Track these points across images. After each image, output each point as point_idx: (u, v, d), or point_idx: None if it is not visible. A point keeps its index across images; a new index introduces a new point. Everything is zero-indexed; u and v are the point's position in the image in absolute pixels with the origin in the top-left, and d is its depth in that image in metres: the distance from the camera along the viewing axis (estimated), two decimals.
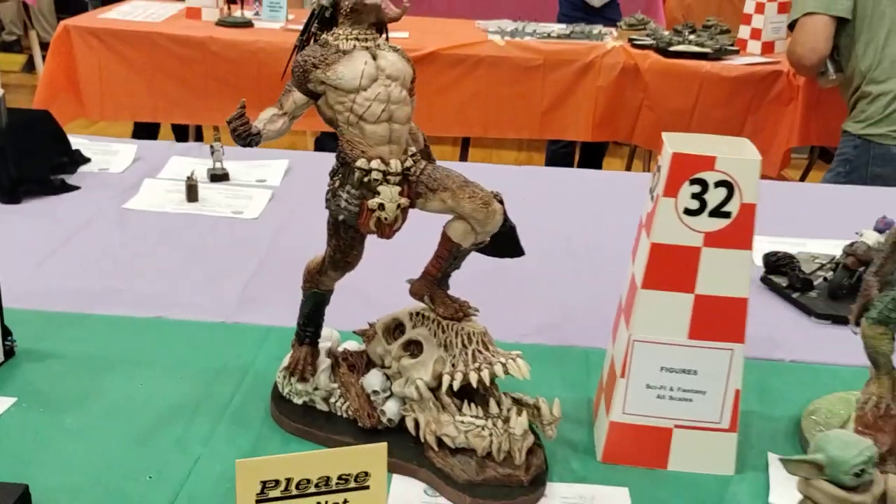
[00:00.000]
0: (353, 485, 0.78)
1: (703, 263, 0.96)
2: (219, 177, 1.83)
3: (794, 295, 1.44)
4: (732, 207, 0.94)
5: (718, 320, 0.98)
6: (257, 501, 0.76)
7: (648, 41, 3.31)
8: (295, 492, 0.77)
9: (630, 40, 3.37)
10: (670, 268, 0.96)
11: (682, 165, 0.94)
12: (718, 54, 3.24)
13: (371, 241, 1.00)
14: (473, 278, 1.48)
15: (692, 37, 3.32)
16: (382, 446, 0.80)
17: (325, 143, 3.99)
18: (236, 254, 1.55)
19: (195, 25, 3.32)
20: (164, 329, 1.29)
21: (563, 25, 3.61)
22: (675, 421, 1.01)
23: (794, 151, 3.45)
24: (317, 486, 0.77)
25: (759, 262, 1.52)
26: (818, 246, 1.61)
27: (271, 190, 1.83)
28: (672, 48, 3.23)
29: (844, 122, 2.80)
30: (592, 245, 1.65)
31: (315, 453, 0.79)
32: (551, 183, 2.06)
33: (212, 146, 1.84)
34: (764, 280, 1.51)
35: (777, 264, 1.49)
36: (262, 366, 1.18)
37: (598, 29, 3.49)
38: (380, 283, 1.20)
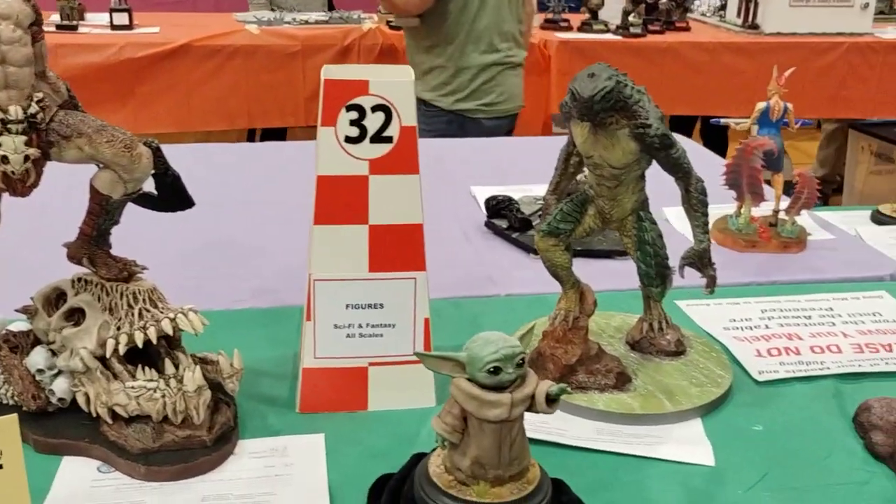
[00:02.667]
0: None
1: (372, 192, 0.94)
2: None
3: (514, 235, 1.46)
4: (392, 132, 0.93)
5: (397, 250, 0.96)
6: None
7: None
8: None
9: (387, 23, 3.38)
10: (340, 200, 0.94)
11: (337, 92, 0.91)
12: None
13: (19, 207, 0.91)
14: (185, 251, 1.42)
15: None
16: (12, 419, 0.72)
17: None
18: None
19: None
20: None
21: (321, 13, 3.58)
22: (369, 359, 0.98)
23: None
24: None
25: (483, 208, 1.55)
26: (541, 190, 1.65)
27: None
28: None
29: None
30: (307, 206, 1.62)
31: None
32: (264, 155, 2.05)
33: None
34: (487, 224, 1.53)
35: (497, 207, 1.51)
36: None
37: (357, 14, 3.48)
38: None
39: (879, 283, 1.38)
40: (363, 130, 0.92)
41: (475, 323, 1.21)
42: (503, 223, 1.50)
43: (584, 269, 1.35)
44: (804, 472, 0.91)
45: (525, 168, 1.86)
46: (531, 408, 0.72)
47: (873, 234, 1.59)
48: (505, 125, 2.69)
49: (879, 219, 1.66)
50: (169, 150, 0.94)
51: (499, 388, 0.71)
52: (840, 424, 0.99)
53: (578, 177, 1.08)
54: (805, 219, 1.58)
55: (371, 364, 0.98)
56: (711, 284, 1.02)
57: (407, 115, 0.92)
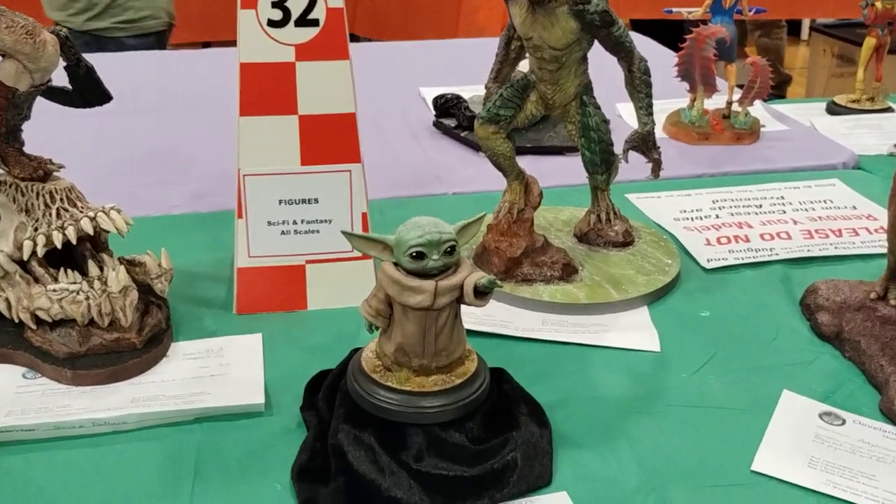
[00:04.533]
0: None
1: (300, 80, 0.89)
2: None
3: (463, 133, 1.42)
4: (318, 14, 0.87)
5: (329, 141, 0.91)
6: None
7: None
8: None
9: None
10: (266, 89, 0.89)
11: None
12: None
13: None
14: (117, 161, 1.37)
15: None
16: None
17: None
18: None
19: None
20: None
21: None
22: (306, 256, 0.95)
23: None
24: None
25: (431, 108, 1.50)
26: None
27: None
28: None
29: None
30: None
31: None
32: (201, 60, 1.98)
33: None
34: (435, 124, 1.48)
35: (446, 106, 1.47)
36: None
37: None
38: None
39: (832, 172, 1.36)
40: (286, 13, 0.87)
41: None
42: (451, 122, 1.45)
43: (534, 165, 1.32)
44: (750, 355, 0.90)
45: (477, 69, 1.80)
46: (460, 299, 0.69)
47: (828, 124, 1.56)
48: (151, 43, 2.41)
49: (834, 109, 1.63)
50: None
51: (424, 275, 0.68)
52: (787, 308, 0.98)
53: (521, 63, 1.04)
54: (759, 111, 1.55)
55: (308, 262, 0.95)
56: (657, 169, 0.99)
57: None
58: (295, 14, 0.87)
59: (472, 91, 1.57)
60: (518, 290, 0.98)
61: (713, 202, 1.25)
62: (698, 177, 1.35)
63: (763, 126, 1.49)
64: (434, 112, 1.50)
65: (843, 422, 0.80)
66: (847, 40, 3.85)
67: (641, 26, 3.91)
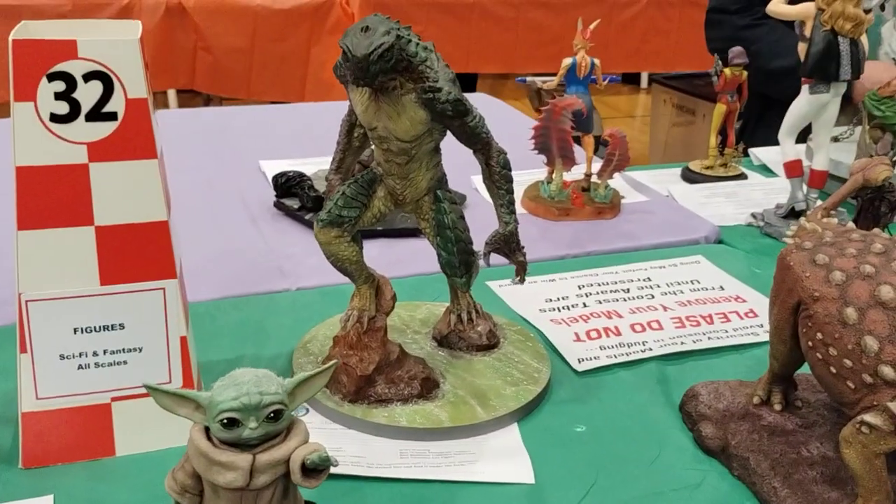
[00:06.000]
0: None
1: (95, 184, 0.73)
2: None
3: (307, 216, 1.29)
4: (116, 106, 0.72)
5: (136, 255, 0.76)
6: None
7: None
8: None
9: None
10: (52, 197, 0.72)
11: (33, 56, 0.69)
12: None
13: None
14: None
15: None
16: None
17: None
18: None
19: None
20: None
21: None
22: (112, 393, 0.78)
23: None
24: None
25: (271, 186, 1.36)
26: None
27: None
28: None
29: None
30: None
31: None
32: None
33: None
34: (276, 205, 1.34)
35: (288, 185, 1.33)
36: None
37: None
38: None
39: (695, 248, 1.32)
40: (75, 106, 0.71)
41: (260, 328, 1.03)
42: (294, 203, 1.32)
43: (385, 251, 1.20)
44: (633, 479, 0.80)
45: (324, 135, 1.67)
46: (290, 475, 0.55)
47: (685, 192, 1.53)
48: None
49: (690, 176, 1.61)
50: None
51: (240, 446, 0.54)
52: (668, 415, 0.90)
53: (366, 153, 0.92)
54: (618, 181, 1.50)
55: (114, 399, 0.78)
56: (521, 272, 0.89)
57: (134, 83, 0.72)
58: (86, 107, 0.71)
59: (318, 165, 1.44)
60: (371, 414, 0.85)
61: (579, 287, 1.16)
62: (561, 258, 1.27)
63: (623, 198, 1.43)
64: (275, 191, 1.36)
65: None
66: (685, 91, 4.00)
67: None
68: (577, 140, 1.41)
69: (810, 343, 0.74)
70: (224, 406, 0.53)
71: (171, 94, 3.55)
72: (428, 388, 0.88)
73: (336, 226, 0.83)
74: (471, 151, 0.84)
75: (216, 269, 1.17)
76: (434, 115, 0.78)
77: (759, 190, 1.55)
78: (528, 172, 1.46)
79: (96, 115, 0.72)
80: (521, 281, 0.89)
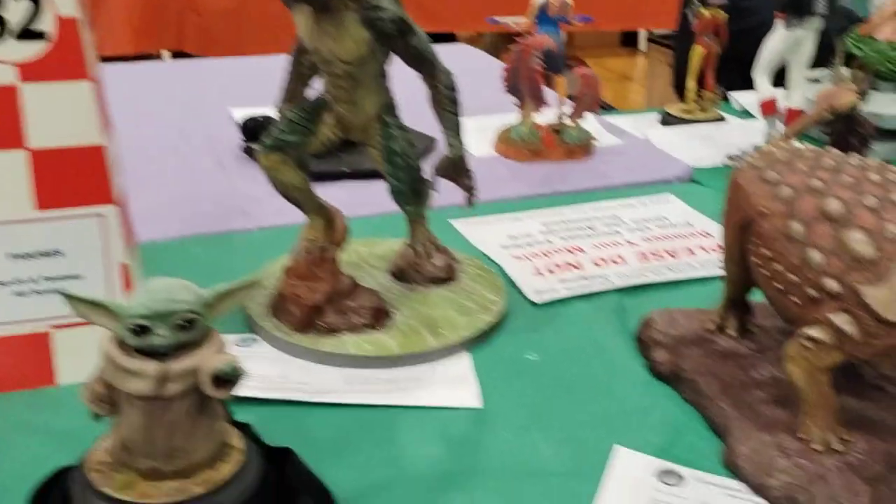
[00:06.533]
0: None
1: (27, 106, 0.72)
2: None
3: None
4: (45, 25, 0.71)
5: (73, 180, 0.75)
6: None
7: None
8: None
9: None
10: None
11: None
12: None
13: None
14: None
15: None
16: None
17: None
18: None
19: None
20: None
21: None
22: (51, 321, 0.77)
23: None
24: None
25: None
26: None
27: None
28: None
29: None
30: None
31: None
32: None
33: None
34: (245, 150, 1.33)
35: (255, 129, 1.31)
36: None
37: None
38: None
39: (666, 186, 1.30)
40: (2, 23, 0.70)
41: (219, 264, 1.03)
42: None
43: (351, 191, 1.19)
44: (581, 404, 0.79)
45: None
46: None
47: (662, 135, 1.51)
48: None
49: (668, 120, 1.59)
50: None
51: (151, 354, 0.53)
52: (622, 344, 0.89)
53: None
54: (593, 124, 1.48)
55: (54, 327, 0.77)
56: (470, 196, 0.87)
57: (65, 1, 0.71)
58: (14, 25, 0.70)
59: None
60: (320, 343, 0.84)
61: (544, 225, 1.15)
62: (530, 197, 1.25)
63: (596, 140, 1.41)
64: (243, 136, 1.34)
65: (681, 479, 0.70)
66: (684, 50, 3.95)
67: None
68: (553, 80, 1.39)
69: (758, 260, 0.73)
70: (133, 311, 0.52)
71: (166, 56, 3.52)
72: (379, 318, 0.87)
73: (279, 150, 0.82)
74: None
75: (180, 210, 1.17)
76: (377, 35, 0.77)
77: (738, 132, 1.53)
78: (505, 116, 1.44)
79: (26, 33, 0.70)
80: (471, 204, 0.88)
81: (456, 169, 0.84)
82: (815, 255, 0.67)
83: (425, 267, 0.95)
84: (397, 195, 0.86)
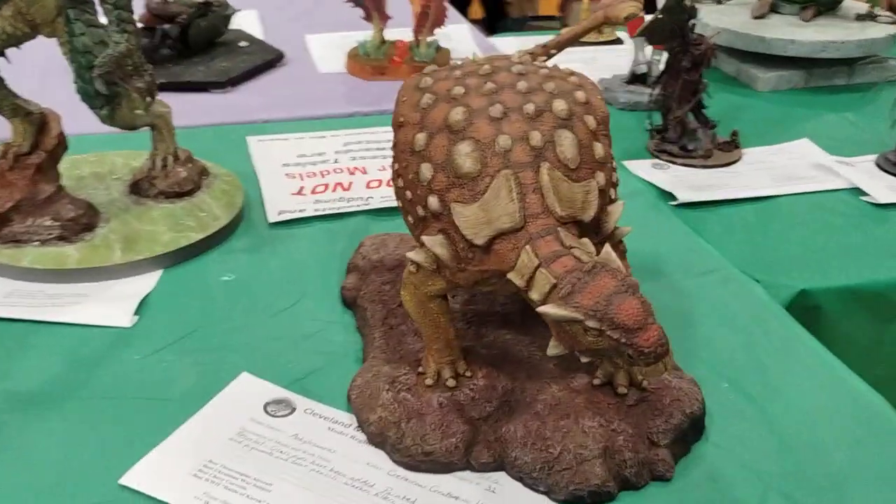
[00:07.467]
0: None
1: None
2: None
3: None
4: None
5: None
6: None
7: None
8: None
9: None
10: None
11: None
12: None
13: None
14: None
15: None
16: None
17: None
18: None
19: None
20: None
21: None
22: None
23: None
24: None
25: None
26: None
27: None
28: None
29: None
30: None
31: None
32: None
33: None
34: None
35: None
36: None
37: None
38: None
39: None
40: None
41: None
42: None
43: (173, 104, 1.11)
44: (238, 331, 0.73)
45: None
46: None
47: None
48: None
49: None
50: None
51: None
52: (334, 268, 0.82)
53: None
54: (472, 46, 1.38)
55: None
56: (147, 96, 0.80)
57: None
58: None
59: None
60: None
61: (343, 145, 1.07)
62: (351, 115, 1.18)
63: (453, 59, 1.32)
64: None
65: (293, 411, 0.64)
66: None
67: None
68: None
69: (393, 177, 0.65)
70: None
71: None
72: (74, 230, 0.82)
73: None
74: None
75: None
76: None
77: (626, 57, 1.41)
78: (363, 33, 1.35)
79: None
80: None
81: (121, 67, 0.78)
82: (426, 170, 0.59)
83: (160, 181, 0.90)
84: (83, 95, 0.79)
